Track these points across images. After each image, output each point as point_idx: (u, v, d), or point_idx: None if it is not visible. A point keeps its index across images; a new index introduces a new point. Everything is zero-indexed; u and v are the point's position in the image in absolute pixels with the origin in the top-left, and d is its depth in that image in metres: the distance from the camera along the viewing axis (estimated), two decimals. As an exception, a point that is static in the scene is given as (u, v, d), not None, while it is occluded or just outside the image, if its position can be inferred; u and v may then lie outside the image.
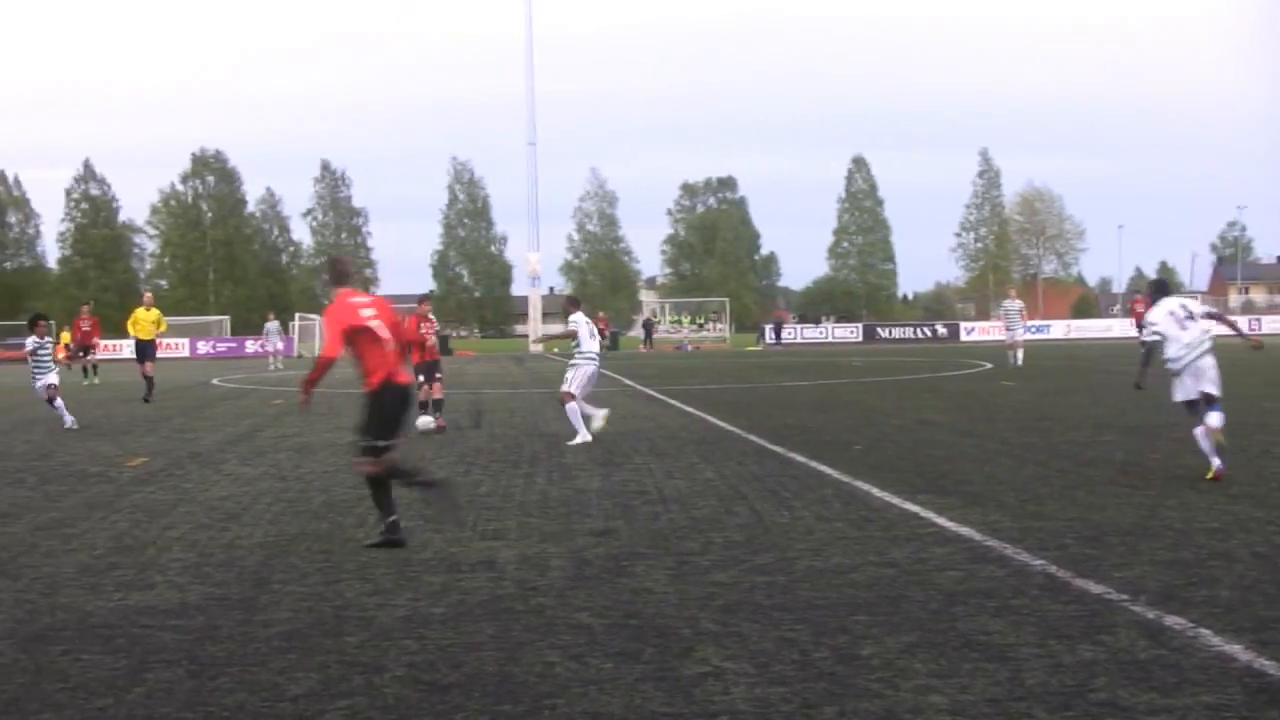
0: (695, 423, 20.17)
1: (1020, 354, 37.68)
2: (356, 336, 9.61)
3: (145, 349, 29.33)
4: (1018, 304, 39.11)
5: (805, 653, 6.35)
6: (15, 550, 9.66)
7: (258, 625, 7.15)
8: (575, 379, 17.35)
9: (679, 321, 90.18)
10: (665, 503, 11.50)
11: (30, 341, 21.28)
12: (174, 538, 10.06)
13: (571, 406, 17.18)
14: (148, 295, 30.80)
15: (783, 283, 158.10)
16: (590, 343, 17.77)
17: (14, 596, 8.02)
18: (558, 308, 34.43)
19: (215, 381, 39.33)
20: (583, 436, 16.89)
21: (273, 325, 52.38)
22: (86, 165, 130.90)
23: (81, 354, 37.61)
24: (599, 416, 17.52)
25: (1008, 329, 38.87)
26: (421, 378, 20.55)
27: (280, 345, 52.23)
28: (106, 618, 7.39)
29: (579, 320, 18.02)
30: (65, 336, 64.33)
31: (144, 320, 29.61)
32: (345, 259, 11.02)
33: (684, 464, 14.39)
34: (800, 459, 14.48)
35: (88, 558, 9.28)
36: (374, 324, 9.68)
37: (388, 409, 9.70)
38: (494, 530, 10.17)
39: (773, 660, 6.25)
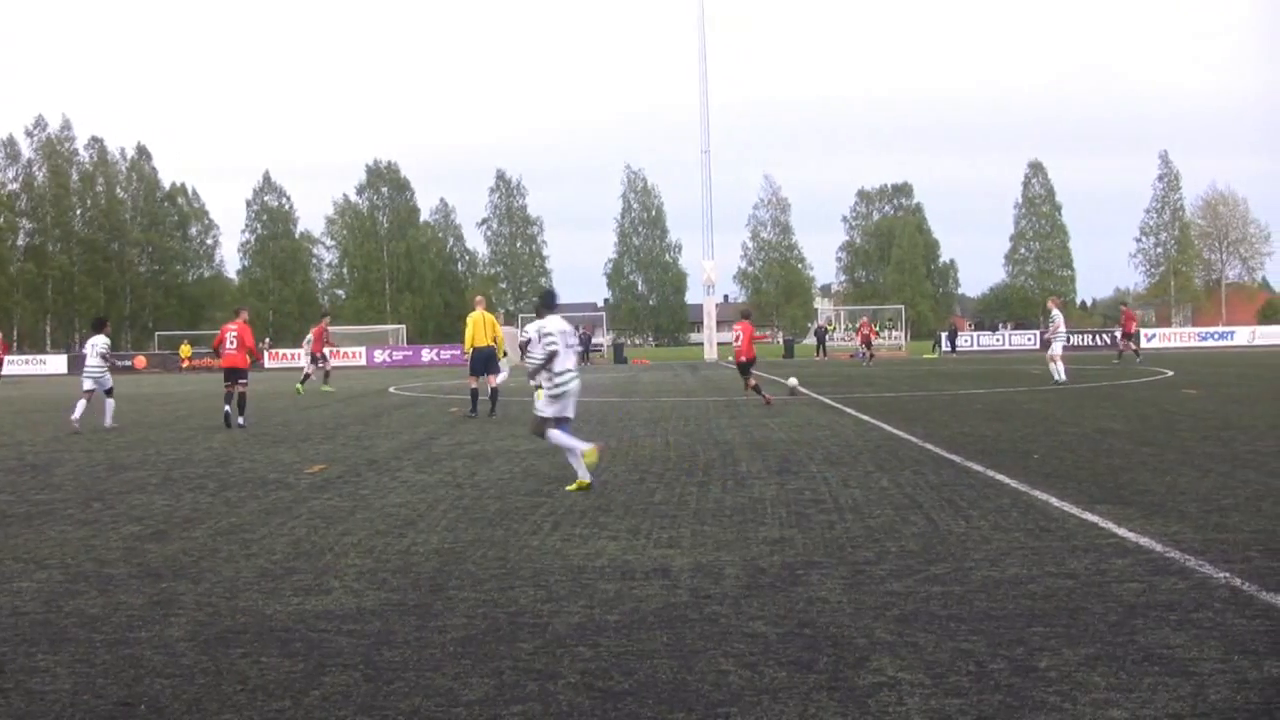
0: (871, 431, 19.99)
1: (1060, 368, 33.24)
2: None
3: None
4: (1058, 314, 35.38)
5: (981, 664, 6.22)
6: (197, 554, 9.88)
7: (433, 631, 7.22)
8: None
9: (854, 329, 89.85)
10: (840, 511, 11.37)
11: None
12: (351, 544, 10.23)
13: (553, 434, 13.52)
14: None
15: (960, 290, 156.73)
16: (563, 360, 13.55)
17: (195, 600, 8.21)
18: (734, 315, 34.02)
19: (392, 390, 40.02)
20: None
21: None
22: (266, 177, 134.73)
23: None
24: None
25: (1052, 340, 34.61)
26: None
27: None
28: (285, 622, 7.53)
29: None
30: (186, 349, 65.74)
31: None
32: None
33: (859, 472, 14.25)
34: (977, 468, 14.26)
35: (267, 563, 9.46)
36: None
37: None
38: (668, 539, 10.14)
39: (948, 671, 6.13)
